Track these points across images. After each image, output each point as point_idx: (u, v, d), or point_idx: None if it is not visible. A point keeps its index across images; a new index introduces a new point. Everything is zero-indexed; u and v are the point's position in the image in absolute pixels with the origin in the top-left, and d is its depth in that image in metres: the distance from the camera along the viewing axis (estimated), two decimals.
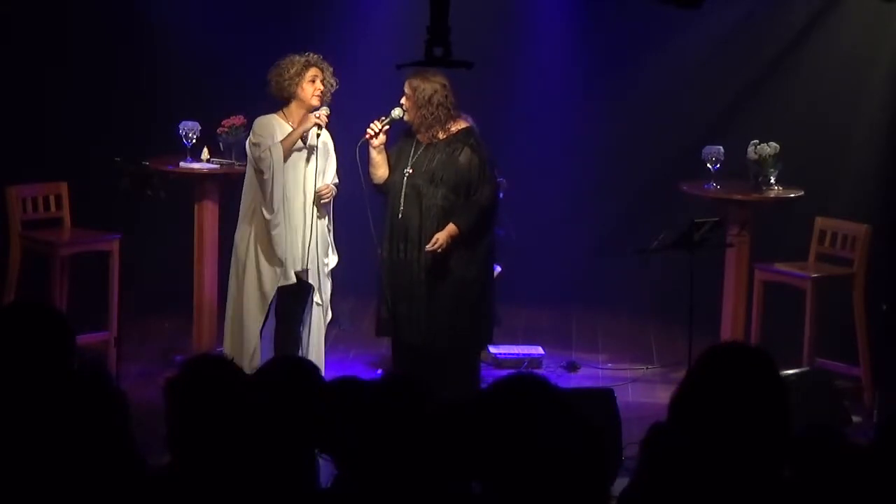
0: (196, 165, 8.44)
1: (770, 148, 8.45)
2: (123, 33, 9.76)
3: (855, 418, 7.69)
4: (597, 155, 10.21)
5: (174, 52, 9.77)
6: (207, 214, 8.51)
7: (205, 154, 8.45)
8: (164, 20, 9.77)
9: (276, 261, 7.57)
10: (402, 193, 7.48)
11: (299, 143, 7.56)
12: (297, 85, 7.55)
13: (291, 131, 7.52)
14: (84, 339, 8.07)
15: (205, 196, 8.50)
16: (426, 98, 7.42)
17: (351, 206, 8.69)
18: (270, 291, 7.62)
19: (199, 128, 8.49)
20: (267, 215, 7.53)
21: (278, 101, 7.66)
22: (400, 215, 7.50)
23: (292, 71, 7.54)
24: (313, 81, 7.57)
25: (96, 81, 9.69)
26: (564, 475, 3.26)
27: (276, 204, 7.50)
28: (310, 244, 7.59)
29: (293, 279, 7.61)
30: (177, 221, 8.82)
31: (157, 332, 9.27)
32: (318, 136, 7.58)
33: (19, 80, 9.46)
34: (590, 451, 3.32)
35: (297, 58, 7.57)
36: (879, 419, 7.64)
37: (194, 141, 8.47)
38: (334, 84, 7.66)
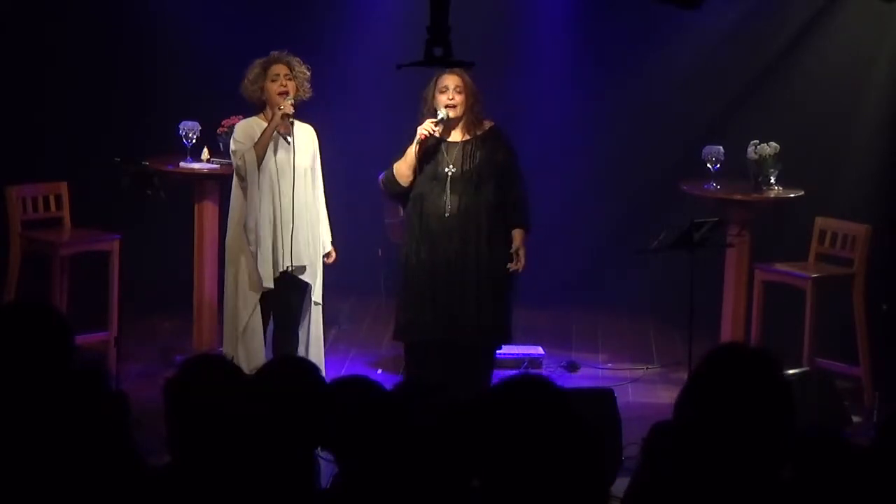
0: (196, 165, 8.44)
1: (770, 148, 8.45)
2: (123, 33, 9.76)
3: (855, 418, 7.69)
4: (597, 155, 10.21)
5: (174, 52, 9.78)
6: (207, 214, 8.51)
7: (205, 154, 8.45)
8: (163, 20, 9.77)
9: (261, 261, 7.54)
10: (447, 192, 7.46)
11: (281, 140, 7.52)
12: (261, 88, 7.54)
13: (262, 134, 7.49)
14: (84, 339, 8.06)
15: (205, 196, 8.50)
16: (476, 89, 7.47)
17: (350, 205, 8.71)
18: (258, 291, 7.59)
19: (199, 128, 8.50)
20: (246, 220, 7.55)
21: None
22: (447, 214, 7.48)
23: (252, 76, 7.54)
24: (274, 80, 7.53)
25: (96, 81, 9.69)
26: (564, 475, 3.26)
27: (253, 208, 7.50)
28: (309, 239, 7.57)
29: (298, 273, 7.59)
30: (177, 221, 8.82)
31: (157, 332, 9.27)
32: (292, 123, 7.49)
33: (19, 80, 9.45)
34: (590, 451, 3.32)
35: (258, 61, 7.57)
36: (879, 419, 7.63)
37: (194, 141, 8.47)
38: (306, 72, 7.59)
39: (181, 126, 8.50)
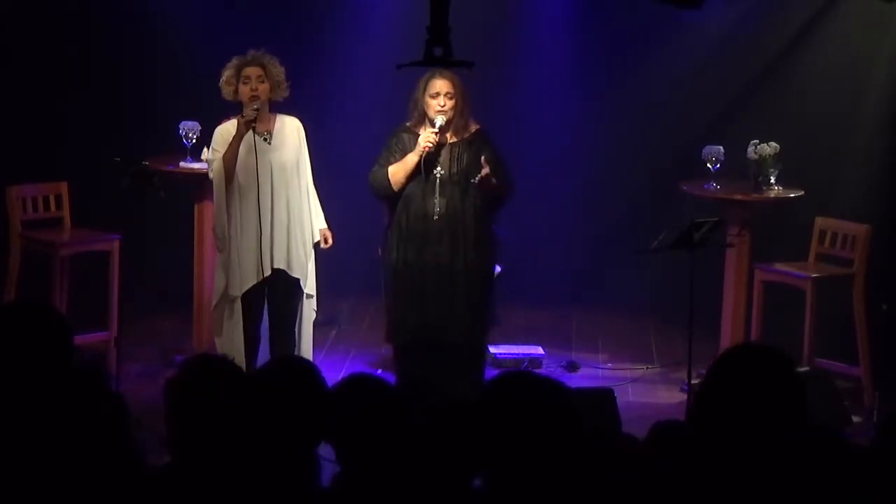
0: (196, 165, 8.44)
1: (770, 148, 8.45)
2: (123, 33, 9.76)
3: (855, 418, 7.69)
4: (597, 155, 10.21)
5: (174, 52, 9.78)
6: (207, 214, 8.50)
7: (205, 154, 8.44)
8: (163, 20, 9.78)
9: (238, 263, 7.54)
10: (436, 195, 7.47)
11: (260, 141, 7.49)
12: (234, 91, 7.52)
13: (230, 143, 7.47)
14: (84, 339, 8.07)
15: (205, 196, 8.49)
16: (465, 91, 7.48)
17: (350, 205, 8.70)
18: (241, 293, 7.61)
19: (199, 128, 8.50)
20: (214, 227, 7.57)
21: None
22: (436, 216, 7.48)
23: (226, 77, 7.53)
24: (245, 83, 7.50)
25: (96, 81, 9.69)
26: (563, 473, 3.26)
27: (220, 216, 7.51)
28: (297, 236, 7.56)
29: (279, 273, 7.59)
30: (177, 221, 8.82)
31: (157, 332, 9.26)
32: (254, 128, 7.42)
33: (20, 80, 9.45)
34: (586, 450, 3.32)
35: (233, 61, 7.54)
36: (879, 419, 7.64)
37: (194, 141, 8.47)
38: (282, 73, 7.53)
39: (181, 126, 8.51)
